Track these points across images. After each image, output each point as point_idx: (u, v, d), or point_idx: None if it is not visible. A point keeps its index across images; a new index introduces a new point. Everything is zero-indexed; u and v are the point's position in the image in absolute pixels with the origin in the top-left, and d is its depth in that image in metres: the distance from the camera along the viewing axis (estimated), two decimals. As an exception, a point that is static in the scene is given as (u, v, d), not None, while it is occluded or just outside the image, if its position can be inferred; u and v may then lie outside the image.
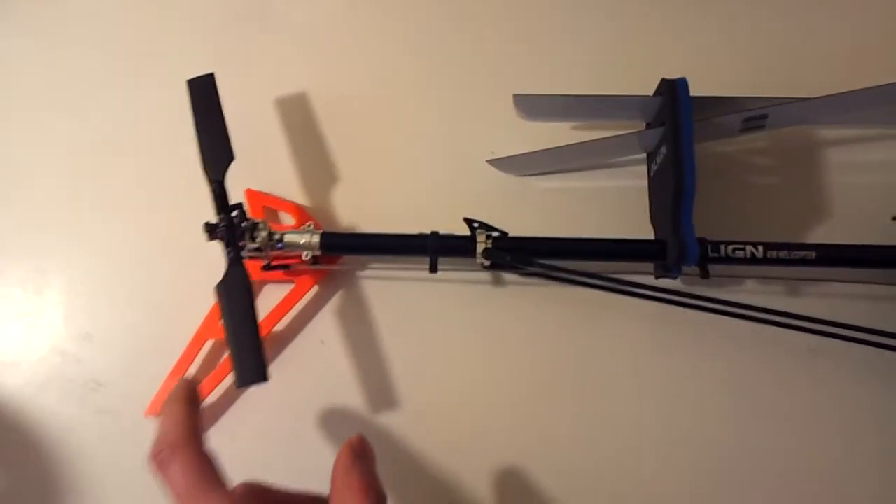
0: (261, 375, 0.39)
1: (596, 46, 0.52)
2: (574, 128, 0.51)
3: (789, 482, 0.44)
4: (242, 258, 0.43)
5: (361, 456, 0.36)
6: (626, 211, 0.48)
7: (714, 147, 0.49)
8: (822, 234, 0.47)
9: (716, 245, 0.43)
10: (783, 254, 0.43)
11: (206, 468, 0.35)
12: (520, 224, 0.46)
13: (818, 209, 0.48)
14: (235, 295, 0.41)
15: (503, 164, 0.48)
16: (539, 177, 0.50)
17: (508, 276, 0.48)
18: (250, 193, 0.49)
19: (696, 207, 0.43)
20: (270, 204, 0.49)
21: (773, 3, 0.52)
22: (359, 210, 0.49)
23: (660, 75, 0.45)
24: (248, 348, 0.40)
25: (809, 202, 0.48)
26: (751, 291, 0.47)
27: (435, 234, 0.45)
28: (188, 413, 0.37)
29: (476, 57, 0.53)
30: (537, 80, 0.52)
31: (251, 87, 0.52)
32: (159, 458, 0.35)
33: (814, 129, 0.50)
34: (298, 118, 0.52)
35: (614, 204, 0.48)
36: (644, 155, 0.48)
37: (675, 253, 0.42)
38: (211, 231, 0.43)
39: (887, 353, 0.42)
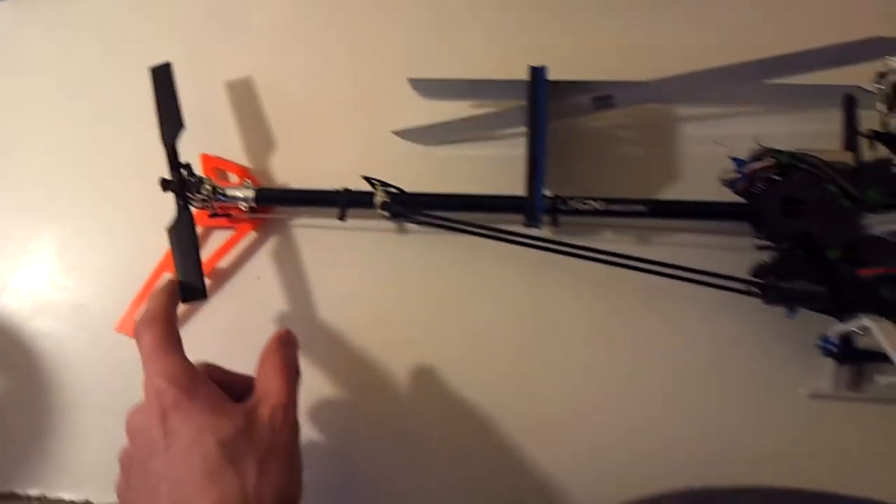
0: (201, 293, 0.50)
1: (494, 35, 0.62)
2: (473, 105, 0.60)
3: (637, 401, 0.53)
4: (189, 206, 0.54)
5: (287, 343, 0.47)
6: (512, 174, 0.56)
7: (587, 123, 0.59)
8: (669, 195, 0.56)
9: (564, 200, 0.53)
10: (620, 207, 0.52)
11: (171, 339, 0.44)
12: (425, 185, 0.56)
13: (671, 175, 0.57)
14: (182, 233, 0.53)
15: (408, 134, 0.58)
16: (441, 146, 0.60)
17: (410, 226, 0.58)
18: (204, 157, 0.60)
19: (568, 172, 0.53)
20: (220, 165, 0.60)
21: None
22: (291, 171, 0.60)
23: (542, 61, 0.55)
24: (192, 273, 0.51)
25: (665, 169, 0.57)
26: (607, 239, 0.56)
27: (346, 190, 0.56)
28: (167, 301, 0.47)
29: (390, 43, 0.63)
30: (444, 61, 0.61)
31: (211, 72, 0.63)
32: (138, 328, 0.45)
33: (672, 108, 0.58)
34: (246, 97, 0.63)
35: (502, 168, 0.58)
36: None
37: (528, 206, 0.52)
38: (165, 185, 0.55)
39: (720, 291, 0.51)
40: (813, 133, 0.55)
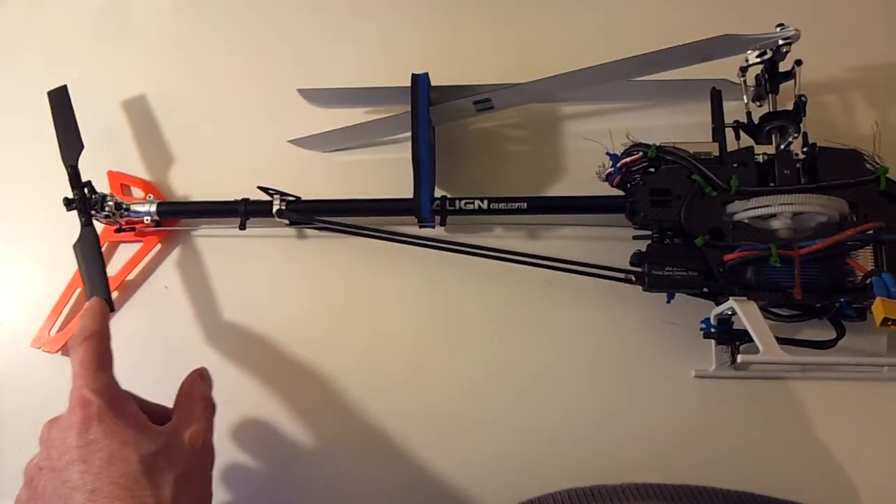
0: (108, 306, 0.52)
1: (384, 44, 0.65)
2: (368, 112, 0.62)
3: (533, 384, 0.56)
4: (93, 223, 0.56)
5: (205, 378, 0.50)
6: (409, 177, 0.58)
7: (477, 123, 0.61)
8: (559, 189, 0.59)
9: (452, 200, 0.55)
10: (503, 205, 0.55)
11: (104, 357, 0.45)
12: (325, 191, 0.58)
13: (557, 169, 0.60)
14: (87, 249, 0.55)
15: (304, 142, 0.60)
16: (338, 152, 0.62)
17: (309, 232, 0.60)
18: (111, 174, 0.62)
19: (462, 173, 0.57)
20: (125, 181, 0.62)
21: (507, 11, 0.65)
22: (194, 183, 0.62)
23: (432, 66, 0.57)
24: (98, 287, 0.53)
25: (550, 164, 0.60)
26: (498, 236, 0.59)
27: (245, 200, 0.58)
28: (102, 319, 0.49)
29: (282, 54, 0.65)
30: (336, 70, 0.64)
31: (111, 91, 0.65)
32: (73, 342, 0.45)
33: (559, 106, 0.61)
34: (146, 113, 0.65)
35: (399, 171, 0.59)
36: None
37: (416, 207, 0.54)
38: (68, 203, 0.57)
39: (607, 281, 0.53)
40: (690, 125, 0.58)
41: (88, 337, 0.46)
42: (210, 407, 0.48)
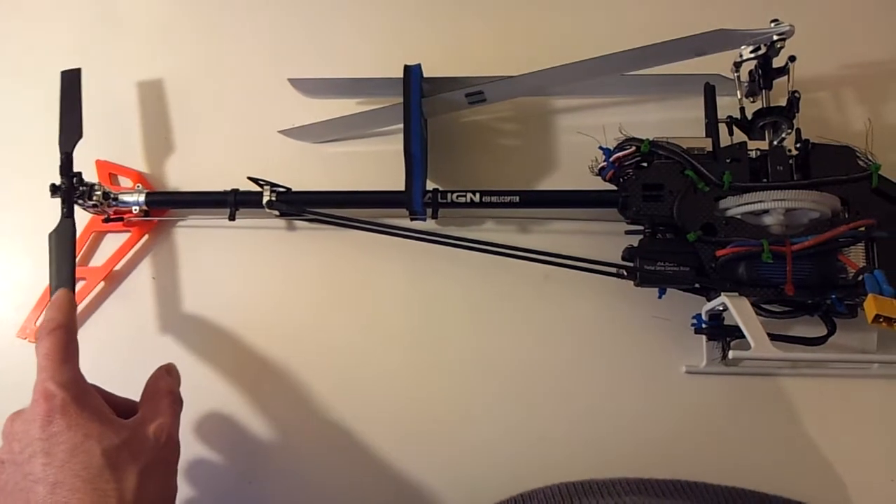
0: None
1: (374, 36, 0.64)
2: (359, 103, 0.62)
3: (522, 379, 0.56)
4: (74, 215, 0.55)
5: (171, 373, 0.50)
6: (401, 169, 0.57)
7: (469, 115, 0.61)
8: (551, 183, 0.59)
9: (444, 193, 0.55)
10: (495, 198, 0.55)
11: (69, 349, 0.45)
12: (315, 182, 0.58)
13: (550, 163, 0.60)
14: (61, 240, 0.54)
15: (295, 133, 0.60)
16: (329, 144, 0.61)
17: (299, 223, 0.60)
18: (99, 163, 0.61)
19: (454, 166, 0.56)
20: (114, 170, 0.61)
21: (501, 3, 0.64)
22: (183, 173, 0.62)
23: (424, 58, 0.57)
24: (65, 279, 0.52)
25: (543, 157, 0.60)
26: (489, 229, 0.59)
27: (235, 191, 0.57)
28: (69, 310, 0.48)
29: (273, 44, 0.65)
30: (329, 60, 0.63)
31: (100, 79, 0.63)
32: (40, 333, 0.46)
33: (550, 100, 0.61)
34: (135, 102, 0.64)
35: (390, 163, 0.58)
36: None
37: (407, 200, 0.54)
38: (53, 190, 0.56)
39: (594, 275, 0.53)
40: (683, 120, 0.57)
41: (54, 329, 0.45)
42: (177, 402, 0.48)
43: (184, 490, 0.53)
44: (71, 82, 0.57)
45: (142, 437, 0.44)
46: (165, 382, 0.49)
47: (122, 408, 0.46)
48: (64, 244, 0.52)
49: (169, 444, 0.45)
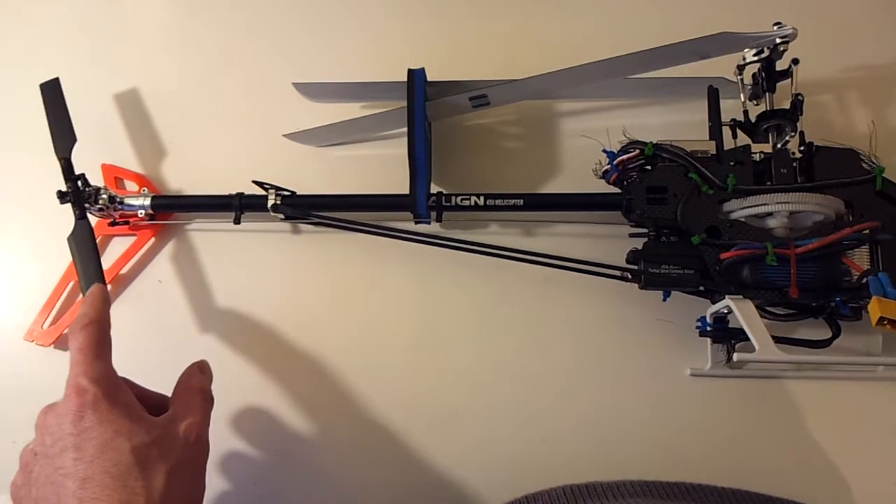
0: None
1: (378, 40, 0.64)
2: (363, 107, 0.62)
3: (527, 381, 0.56)
4: (87, 216, 0.56)
5: (204, 371, 0.50)
6: (405, 172, 0.57)
7: (473, 119, 0.61)
8: (555, 186, 0.59)
9: (448, 197, 0.55)
10: (499, 201, 0.55)
11: (103, 345, 0.45)
12: (320, 186, 0.58)
13: (554, 166, 0.60)
14: (81, 242, 0.54)
15: (300, 136, 0.60)
16: (333, 147, 0.62)
17: (304, 227, 0.60)
18: (105, 167, 0.62)
19: (458, 169, 0.57)
20: (119, 174, 0.61)
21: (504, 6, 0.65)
22: (189, 177, 0.62)
23: (427, 62, 0.57)
24: (94, 278, 0.52)
25: (547, 161, 0.60)
26: (493, 232, 0.59)
27: (240, 194, 0.57)
28: (102, 307, 0.48)
29: (277, 47, 0.65)
30: (332, 64, 0.64)
31: (106, 84, 0.65)
32: (73, 329, 0.46)
33: (554, 103, 0.61)
34: (142, 106, 0.65)
35: (395, 166, 0.58)
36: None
37: (412, 203, 0.54)
38: (61, 196, 0.56)
39: (598, 278, 0.53)
40: (687, 123, 0.58)
41: (88, 324, 0.45)
42: (208, 400, 0.48)
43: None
44: (52, 92, 0.58)
45: (172, 435, 0.44)
46: (198, 380, 0.48)
47: (153, 402, 0.46)
48: (85, 244, 0.53)
49: (198, 444, 0.45)
